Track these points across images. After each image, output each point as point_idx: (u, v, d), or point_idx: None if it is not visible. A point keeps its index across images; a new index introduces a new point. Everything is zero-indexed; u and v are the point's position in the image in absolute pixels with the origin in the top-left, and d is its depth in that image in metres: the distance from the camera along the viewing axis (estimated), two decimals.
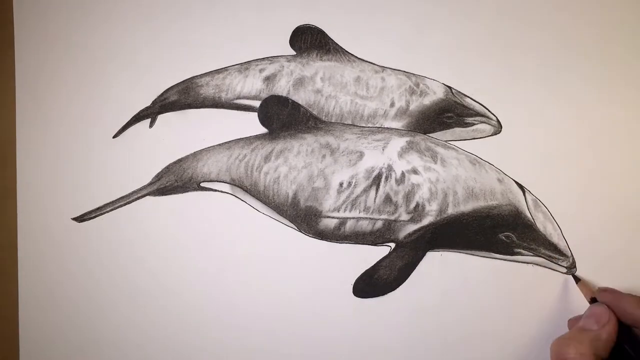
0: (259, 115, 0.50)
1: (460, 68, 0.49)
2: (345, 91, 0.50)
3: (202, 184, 0.50)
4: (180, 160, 0.51)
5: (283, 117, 0.50)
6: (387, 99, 0.50)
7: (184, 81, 0.51)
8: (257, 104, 0.50)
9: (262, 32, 0.51)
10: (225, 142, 0.50)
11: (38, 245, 0.51)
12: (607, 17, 0.49)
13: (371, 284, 0.48)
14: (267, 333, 0.49)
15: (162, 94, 0.51)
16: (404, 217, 0.48)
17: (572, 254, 0.47)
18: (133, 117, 0.51)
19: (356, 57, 0.50)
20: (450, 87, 0.49)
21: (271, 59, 0.51)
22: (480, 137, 0.49)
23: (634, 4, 0.49)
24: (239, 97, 0.51)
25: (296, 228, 0.49)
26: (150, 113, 0.51)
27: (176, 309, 0.50)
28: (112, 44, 0.52)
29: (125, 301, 0.50)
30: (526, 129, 0.48)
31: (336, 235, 0.48)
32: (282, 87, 0.51)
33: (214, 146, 0.50)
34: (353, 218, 0.48)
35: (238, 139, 0.50)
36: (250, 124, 0.50)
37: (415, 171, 0.48)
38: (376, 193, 0.48)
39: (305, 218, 0.49)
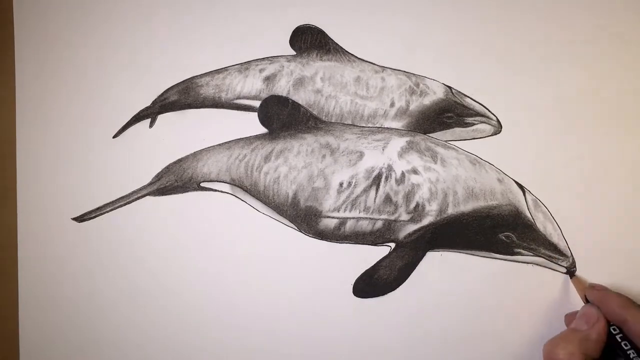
0: (259, 115, 0.50)
1: (460, 68, 0.49)
2: (345, 91, 0.50)
3: (202, 184, 0.50)
4: (180, 160, 0.51)
5: (283, 117, 0.50)
6: (387, 99, 0.50)
7: (184, 81, 0.51)
8: (257, 104, 0.50)
9: (262, 32, 0.51)
10: (225, 142, 0.50)
11: (38, 245, 0.51)
12: (608, 17, 0.49)
13: (371, 284, 0.48)
14: (267, 333, 0.49)
15: (162, 94, 0.51)
16: (404, 217, 0.48)
17: (572, 254, 0.47)
18: (133, 117, 0.51)
19: (356, 57, 0.50)
20: (450, 87, 0.49)
21: (271, 59, 0.51)
22: (480, 137, 0.49)
23: (635, 3, 0.49)
24: (239, 97, 0.51)
25: (296, 228, 0.49)
26: (150, 113, 0.51)
27: (176, 309, 0.50)
28: (112, 44, 0.52)
29: (125, 301, 0.50)
30: (526, 129, 0.48)
31: (336, 235, 0.48)
32: (282, 87, 0.51)
33: (214, 146, 0.50)
34: (353, 218, 0.48)
35: (238, 139, 0.50)
36: (250, 124, 0.50)
37: (415, 171, 0.48)
38: (376, 193, 0.48)
39: (305, 218, 0.49)
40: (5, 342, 0.51)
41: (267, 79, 0.51)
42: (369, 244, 0.48)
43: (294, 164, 0.49)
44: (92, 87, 0.52)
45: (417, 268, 0.48)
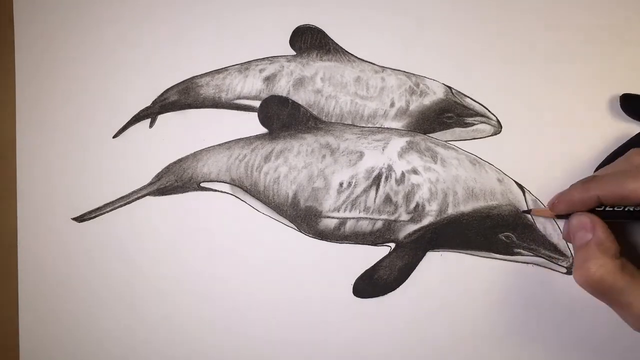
0: (259, 116, 0.50)
1: (460, 68, 0.49)
2: (345, 91, 0.50)
3: (202, 184, 0.50)
4: (180, 160, 0.51)
5: (283, 117, 0.50)
6: (387, 99, 0.50)
7: (184, 81, 0.51)
8: (257, 104, 0.50)
9: (262, 32, 0.51)
10: (225, 142, 0.50)
11: (38, 245, 0.51)
12: (608, 17, 0.49)
13: (371, 284, 0.48)
14: (267, 333, 0.49)
15: (162, 94, 0.51)
16: (404, 217, 0.48)
17: (572, 254, 0.47)
18: (133, 117, 0.51)
19: (356, 57, 0.50)
20: (450, 87, 0.49)
21: (271, 59, 0.51)
22: (481, 137, 0.49)
23: (635, 3, 0.49)
24: (239, 97, 0.51)
25: (296, 228, 0.49)
26: (150, 113, 0.51)
27: (176, 309, 0.50)
28: (112, 44, 0.52)
29: (125, 301, 0.50)
30: (526, 129, 0.48)
31: (336, 236, 0.48)
32: (282, 87, 0.51)
33: (214, 146, 0.50)
34: (353, 218, 0.48)
35: (238, 139, 0.50)
36: (251, 124, 0.50)
37: (415, 171, 0.48)
38: (376, 193, 0.48)
39: (305, 218, 0.49)
40: (5, 342, 0.51)
41: (267, 79, 0.51)
42: (369, 244, 0.48)
43: (294, 164, 0.49)
44: (93, 88, 0.52)
45: (417, 268, 0.48)
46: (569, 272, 0.47)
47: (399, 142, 0.49)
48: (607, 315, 0.46)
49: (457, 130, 0.49)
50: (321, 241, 0.49)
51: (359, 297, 0.48)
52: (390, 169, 0.48)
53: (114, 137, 0.51)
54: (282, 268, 0.49)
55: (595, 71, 0.49)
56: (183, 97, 0.51)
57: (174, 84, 0.51)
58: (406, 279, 0.48)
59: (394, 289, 0.48)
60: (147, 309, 0.50)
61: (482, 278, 0.47)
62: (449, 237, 0.47)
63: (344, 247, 0.48)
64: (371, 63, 0.50)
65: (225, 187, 0.50)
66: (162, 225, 0.50)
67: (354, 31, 0.50)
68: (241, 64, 0.51)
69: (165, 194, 0.50)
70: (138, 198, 0.50)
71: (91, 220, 0.51)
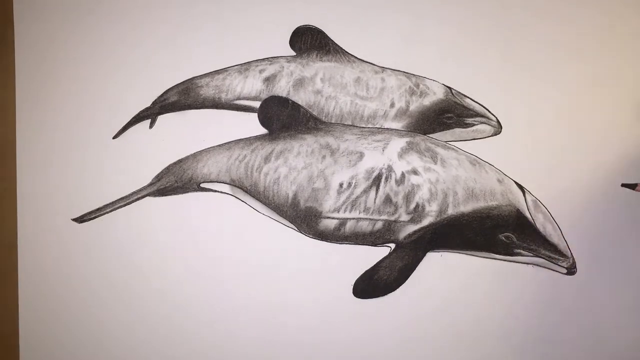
0: (259, 116, 0.50)
1: (460, 69, 0.49)
2: (345, 92, 0.50)
3: (202, 185, 0.50)
4: (180, 161, 0.51)
5: (283, 117, 0.50)
6: (387, 99, 0.50)
7: (184, 82, 0.51)
8: (257, 104, 0.50)
9: (262, 32, 0.51)
10: (225, 143, 0.50)
11: (38, 245, 0.51)
12: (609, 17, 0.49)
13: (371, 285, 0.48)
14: (267, 333, 0.49)
15: (162, 95, 0.51)
16: (404, 217, 0.48)
17: (572, 254, 0.47)
18: (133, 117, 0.51)
19: (356, 57, 0.50)
20: (450, 88, 0.49)
21: (271, 59, 0.51)
22: (480, 138, 0.49)
23: (636, 2, 0.49)
24: (239, 98, 0.51)
25: (296, 229, 0.49)
26: (150, 114, 0.51)
27: (176, 309, 0.50)
28: (113, 44, 0.52)
29: (124, 301, 0.50)
30: (526, 129, 0.48)
31: (336, 236, 0.48)
32: (282, 88, 0.51)
33: (214, 147, 0.50)
34: (353, 219, 0.48)
35: (238, 140, 0.50)
36: (250, 125, 0.50)
37: (415, 172, 0.48)
38: (376, 194, 0.48)
39: (305, 219, 0.49)
40: (5, 341, 0.51)
41: (267, 80, 0.51)
42: (369, 245, 0.48)
43: (294, 165, 0.49)
44: (93, 88, 0.52)
45: (417, 268, 0.48)
46: (569, 273, 0.47)
47: (399, 143, 0.49)
48: (607, 316, 0.46)
49: (457, 130, 0.49)
50: (321, 242, 0.49)
51: (359, 297, 0.48)
52: (390, 169, 0.48)
53: (114, 137, 0.51)
54: (281, 268, 0.49)
55: (596, 72, 0.49)
56: (183, 97, 0.51)
57: (174, 84, 0.51)
58: (406, 279, 0.48)
59: (394, 289, 0.48)
60: (147, 309, 0.50)
61: (482, 278, 0.47)
62: (449, 238, 0.47)
63: (344, 247, 0.48)
64: (371, 64, 0.50)
65: (225, 188, 0.50)
66: (162, 226, 0.50)
67: (354, 32, 0.50)
68: (241, 64, 0.51)
69: (165, 195, 0.50)
70: (138, 199, 0.50)
71: (91, 220, 0.51)
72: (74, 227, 0.51)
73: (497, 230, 0.47)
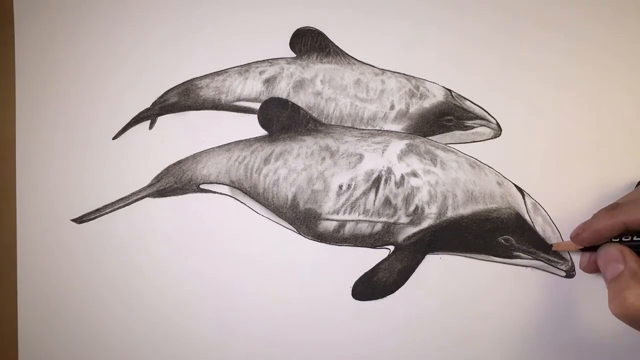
0: (258, 118, 0.50)
1: (460, 71, 0.49)
2: (345, 94, 0.50)
3: (202, 186, 0.50)
4: (179, 162, 0.51)
5: (283, 119, 0.50)
6: (387, 101, 0.50)
7: (183, 83, 0.51)
8: (257, 106, 0.50)
9: (262, 34, 0.51)
10: (225, 144, 0.50)
11: (37, 246, 0.51)
12: (609, 18, 0.49)
13: (370, 287, 0.48)
14: (265, 335, 0.49)
15: (161, 96, 0.51)
16: (403, 219, 0.48)
17: (571, 257, 0.47)
18: (133, 118, 0.51)
19: (356, 59, 0.50)
20: (450, 90, 0.49)
21: (271, 61, 0.51)
22: (480, 140, 0.49)
23: (635, 4, 0.49)
24: (238, 99, 0.51)
25: (295, 230, 0.49)
26: (150, 115, 0.51)
27: (174, 311, 0.50)
28: (113, 44, 0.52)
29: (123, 302, 0.50)
30: (526, 132, 0.48)
31: (335, 238, 0.48)
32: (282, 90, 0.51)
33: (213, 148, 0.50)
34: (352, 220, 0.48)
35: (238, 141, 0.50)
36: (250, 126, 0.50)
37: (414, 174, 0.48)
38: (375, 196, 0.48)
39: (304, 220, 0.49)
40: (5, 342, 0.51)
41: (267, 81, 0.51)
42: (368, 247, 0.48)
43: (293, 167, 0.49)
44: (92, 89, 0.52)
45: (416, 271, 0.48)
46: (568, 276, 0.47)
47: (399, 145, 0.49)
48: (606, 318, 0.46)
49: (457, 133, 0.49)
50: (320, 243, 0.49)
51: (358, 299, 0.48)
52: (389, 171, 0.48)
53: (113, 138, 0.51)
54: (281, 270, 0.49)
55: (596, 73, 0.48)
56: (183, 98, 0.51)
57: (173, 85, 0.51)
58: (405, 281, 0.48)
59: (393, 291, 0.48)
60: (147, 309, 0.50)
61: (481, 281, 0.47)
62: (448, 240, 0.47)
63: (343, 249, 0.48)
64: (371, 65, 0.50)
65: (225, 189, 0.50)
66: (161, 227, 0.50)
67: (354, 34, 0.50)
68: (241, 65, 0.51)
69: (165, 196, 0.50)
70: (137, 199, 0.51)
71: (90, 221, 0.51)
72: (73, 227, 0.51)
73: (496, 233, 0.47)
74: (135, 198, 0.50)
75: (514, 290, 0.47)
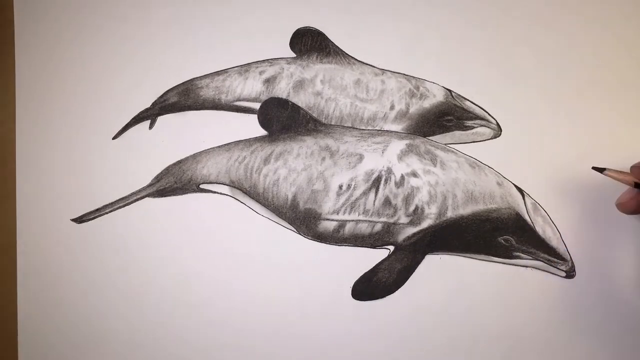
0: (258, 118, 0.50)
1: (460, 71, 0.49)
2: (345, 94, 0.50)
3: (202, 186, 0.50)
4: (179, 162, 0.51)
5: (283, 119, 0.50)
6: (387, 101, 0.50)
7: (183, 83, 0.51)
8: (257, 106, 0.50)
9: (262, 34, 0.51)
10: (225, 144, 0.50)
11: (37, 246, 0.51)
12: (608, 21, 0.49)
13: (370, 287, 0.48)
14: (265, 335, 0.49)
15: (162, 96, 0.51)
16: (403, 220, 0.48)
17: (571, 257, 0.47)
18: (133, 118, 0.51)
19: (356, 59, 0.50)
20: (450, 90, 0.49)
21: (271, 61, 0.51)
22: (480, 141, 0.49)
23: (634, 7, 0.49)
24: (238, 99, 0.51)
25: (295, 230, 0.49)
26: (150, 114, 0.51)
27: (174, 310, 0.50)
28: (112, 44, 0.52)
29: (123, 301, 0.50)
30: (526, 132, 0.48)
31: (335, 238, 0.48)
32: (282, 90, 0.51)
33: (213, 148, 0.50)
34: (352, 220, 0.48)
35: (238, 141, 0.50)
36: (250, 126, 0.50)
37: (414, 174, 0.48)
38: (375, 196, 0.48)
39: (304, 220, 0.49)
40: (5, 342, 0.51)
41: (267, 81, 0.51)
42: (368, 247, 0.48)
43: (293, 167, 0.49)
44: (92, 88, 0.52)
45: (416, 271, 0.48)
46: (568, 276, 0.47)
47: (399, 145, 0.49)
48: (606, 318, 0.46)
49: (457, 133, 0.49)
50: (320, 243, 0.49)
51: (357, 299, 0.48)
52: (389, 171, 0.48)
53: (113, 138, 0.51)
54: (281, 270, 0.49)
55: (596, 74, 0.49)
56: (183, 98, 0.51)
57: (174, 85, 0.51)
58: (405, 281, 0.48)
59: (392, 291, 0.48)
60: (147, 309, 0.50)
61: (481, 281, 0.47)
62: (448, 240, 0.47)
63: (343, 249, 0.48)
64: (371, 66, 0.50)
65: (225, 189, 0.50)
66: (161, 227, 0.50)
67: (354, 34, 0.50)
68: (241, 66, 0.51)
69: (165, 196, 0.50)
70: (137, 199, 0.51)
71: (90, 221, 0.51)
72: (73, 227, 0.51)
73: (496, 233, 0.47)
74: (135, 198, 0.50)
75: (513, 290, 0.47)
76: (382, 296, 0.48)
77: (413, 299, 0.48)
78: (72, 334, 0.51)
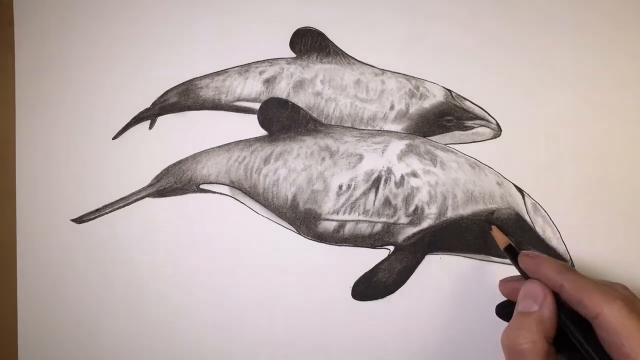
0: (258, 118, 0.50)
1: (460, 71, 0.49)
2: (345, 94, 0.50)
3: (202, 186, 0.50)
4: (179, 162, 0.51)
5: (283, 119, 0.50)
6: (387, 101, 0.50)
7: (183, 83, 0.51)
8: (257, 106, 0.50)
9: (262, 34, 0.51)
10: (225, 144, 0.50)
11: (37, 246, 0.51)
12: (608, 21, 0.49)
13: (370, 287, 0.48)
14: (265, 335, 0.49)
15: (161, 96, 0.51)
16: (403, 220, 0.48)
17: (570, 258, 0.47)
18: (132, 118, 0.51)
19: (356, 59, 0.50)
20: (450, 90, 0.49)
21: (271, 61, 0.51)
22: (480, 141, 0.49)
23: (635, 8, 0.49)
24: (238, 99, 0.51)
25: (295, 230, 0.49)
26: (149, 115, 0.51)
27: (174, 310, 0.50)
28: (113, 45, 0.52)
29: (123, 302, 0.50)
30: (526, 132, 0.48)
31: (335, 238, 0.48)
32: (282, 90, 0.51)
33: (213, 148, 0.50)
34: (352, 221, 0.48)
35: (237, 141, 0.50)
36: (250, 126, 0.50)
37: (414, 174, 0.48)
38: (375, 196, 0.48)
39: (304, 220, 0.49)
40: (5, 342, 0.51)
41: (267, 82, 0.51)
42: (368, 247, 0.48)
43: (293, 167, 0.49)
44: (92, 89, 0.52)
45: (416, 271, 0.48)
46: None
47: (399, 145, 0.49)
48: None
49: (457, 133, 0.49)
50: (320, 243, 0.49)
51: (357, 299, 0.48)
52: (389, 171, 0.48)
53: (113, 138, 0.51)
54: (280, 270, 0.49)
55: (596, 74, 0.48)
56: (183, 98, 0.51)
57: (173, 85, 0.51)
58: (405, 282, 0.48)
59: (392, 292, 0.48)
60: (146, 310, 0.50)
61: (481, 281, 0.47)
62: (448, 240, 0.47)
63: (342, 249, 0.48)
64: (371, 66, 0.50)
65: (225, 189, 0.50)
66: (161, 227, 0.50)
67: (354, 34, 0.50)
68: (241, 66, 0.51)
69: (165, 196, 0.50)
70: (137, 199, 0.50)
71: (90, 221, 0.51)
72: (73, 227, 0.51)
73: None
74: (135, 198, 0.50)
75: None
76: (382, 296, 0.48)
77: (413, 299, 0.48)
78: (72, 333, 0.51)
